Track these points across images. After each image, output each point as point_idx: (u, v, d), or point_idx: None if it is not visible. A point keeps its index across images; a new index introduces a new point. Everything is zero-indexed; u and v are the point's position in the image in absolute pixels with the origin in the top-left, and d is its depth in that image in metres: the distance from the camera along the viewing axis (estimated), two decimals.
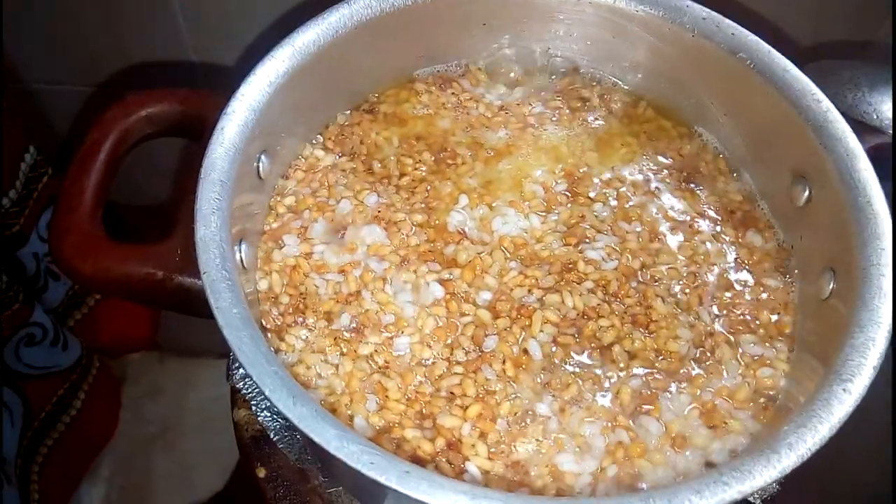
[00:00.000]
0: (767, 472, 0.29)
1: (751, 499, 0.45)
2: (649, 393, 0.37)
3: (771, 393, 0.38)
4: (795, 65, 0.41)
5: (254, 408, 0.50)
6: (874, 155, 0.40)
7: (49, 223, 0.36)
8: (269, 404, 0.49)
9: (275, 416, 0.49)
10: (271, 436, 0.49)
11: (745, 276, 0.42)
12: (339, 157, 0.45)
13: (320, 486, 0.46)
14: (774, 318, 0.40)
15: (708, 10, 0.43)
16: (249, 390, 0.50)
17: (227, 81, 0.74)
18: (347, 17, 0.42)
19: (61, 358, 0.83)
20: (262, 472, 0.48)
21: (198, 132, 0.39)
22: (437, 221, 0.43)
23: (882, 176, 0.38)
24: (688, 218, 0.44)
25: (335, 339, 0.39)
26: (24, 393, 0.79)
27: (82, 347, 0.86)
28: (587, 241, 0.42)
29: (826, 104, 0.40)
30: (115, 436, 1.00)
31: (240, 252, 0.37)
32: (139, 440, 1.03)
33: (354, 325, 0.39)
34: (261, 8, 0.66)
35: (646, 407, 0.37)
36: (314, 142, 0.46)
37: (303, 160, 0.45)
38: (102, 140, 0.37)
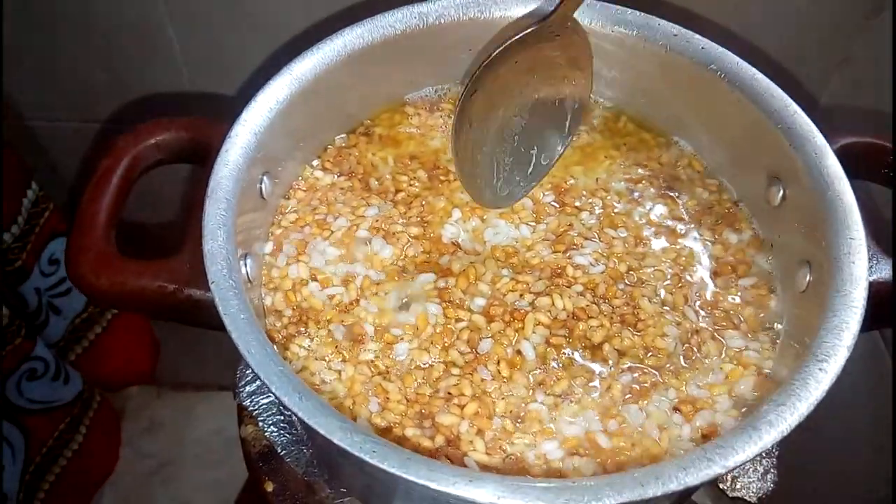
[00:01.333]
0: (749, 448, 0.30)
1: (747, 497, 0.46)
2: (639, 388, 0.39)
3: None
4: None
5: (261, 424, 0.51)
6: (842, 153, 0.43)
7: (66, 244, 0.38)
8: (275, 420, 0.51)
9: (282, 431, 0.51)
10: (278, 450, 0.50)
11: (725, 274, 0.44)
12: (338, 176, 0.48)
13: (327, 499, 0.48)
14: (756, 312, 0.42)
15: (678, 27, 0.45)
16: (256, 407, 0.52)
17: (224, 110, 0.77)
18: (341, 46, 0.45)
19: (63, 392, 0.85)
20: (269, 487, 0.49)
21: (203, 158, 0.42)
22: (432, 234, 0.45)
23: (852, 174, 0.40)
24: (670, 222, 0.46)
25: (336, 347, 0.41)
26: (25, 428, 0.80)
27: (83, 382, 0.87)
28: (575, 247, 0.44)
29: (793, 107, 0.42)
30: (116, 470, 1.00)
31: (245, 267, 0.39)
32: (139, 475, 1.04)
33: (355, 333, 0.41)
34: (250, 41, 0.69)
35: (635, 400, 0.39)
36: (313, 163, 0.48)
37: (303, 181, 0.47)
38: (115, 166, 0.40)
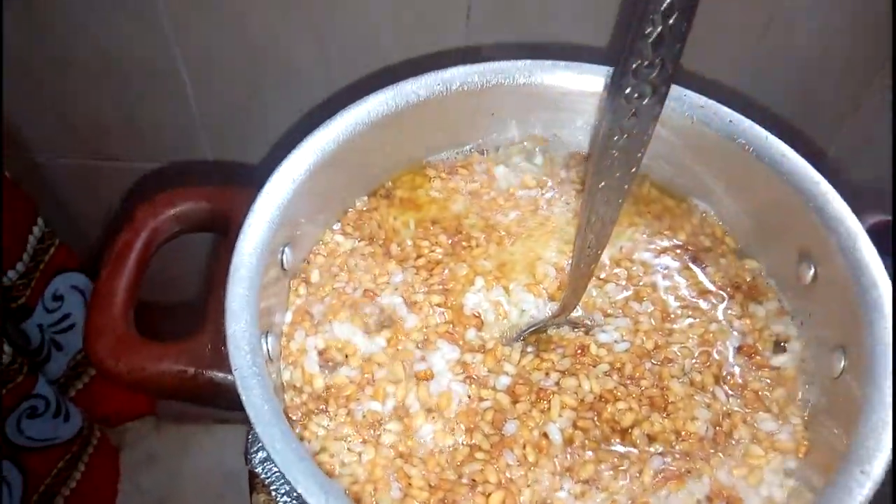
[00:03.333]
0: None
1: None
2: (670, 474, 0.38)
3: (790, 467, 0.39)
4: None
5: (273, 493, 0.50)
6: (873, 231, 0.42)
7: (84, 324, 0.37)
8: (287, 489, 0.50)
9: (294, 501, 0.50)
10: None
11: (754, 352, 0.43)
12: (359, 241, 0.47)
13: None
14: (787, 394, 0.41)
15: (705, 98, 0.45)
16: (269, 475, 0.50)
17: (230, 150, 0.77)
18: (364, 114, 0.44)
19: (62, 430, 0.84)
20: None
21: (224, 227, 0.41)
22: (454, 302, 0.44)
23: (882, 251, 0.40)
24: (695, 296, 0.45)
25: (357, 427, 0.40)
26: (23, 466, 0.79)
27: (83, 418, 0.86)
28: (598, 325, 0.43)
29: (825, 185, 0.41)
30: None
31: (266, 344, 0.39)
32: None
33: (375, 412, 0.40)
34: (270, 97, 0.69)
35: (666, 487, 0.38)
36: (334, 227, 0.48)
37: (323, 245, 0.47)
38: (133, 241, 0.39)
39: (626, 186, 0.34)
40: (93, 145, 0.79)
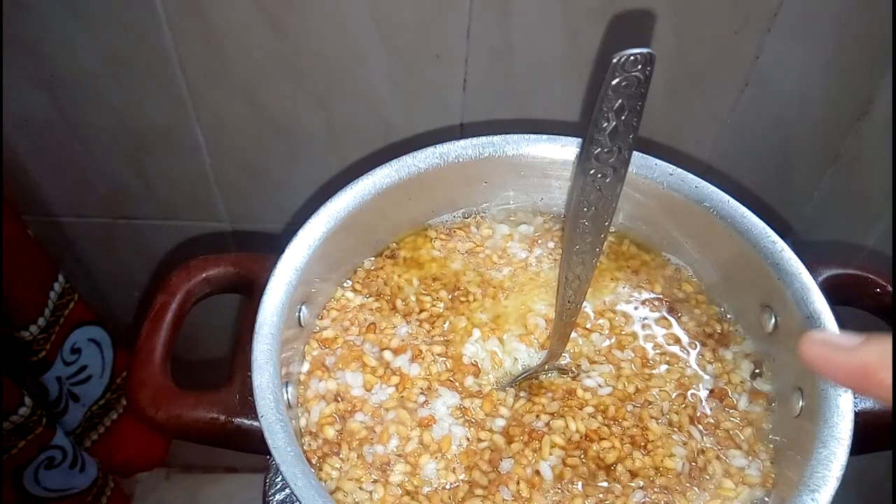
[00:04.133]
0: None
1: None
2: None
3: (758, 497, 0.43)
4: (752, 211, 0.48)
5: None
6: (827, 284, 0.47)
7: (126, 378, 0.41)
8: None
9: None
10: None
11: (724, 395, 0.47)
12: (367, 297, 0.52)
13: None
14: (755, 433, 0.46)
15: (674, 166, 0.50)
16: None
17: (243, 210, 0.81)
18: (371, 185, 0.50)
19: (78, 480, 0.86)
20: None
21: (248, 289, 0.46)
22: (454, 352, 0.49)
23: (834, 301, 0.45)
24: (671, 343, 0.50)
25: (367, 468, 0.44)
26: None
27: (98, 468, 0.89)
28: (584, 371, 0.48)
29: (780, 244, 0.47)
30: None
31: (286, 393, 0.43)
32: None
33: (383, 454, 0.44)
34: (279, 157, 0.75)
35: None
36: (345, 285, 0.53)
37: (335, 301, 0.52)
38: (170, 301, 0.44)
39: (597, 249, 0.39)
40: (112, 206, 0.84)
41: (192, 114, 0.72)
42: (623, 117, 0.31)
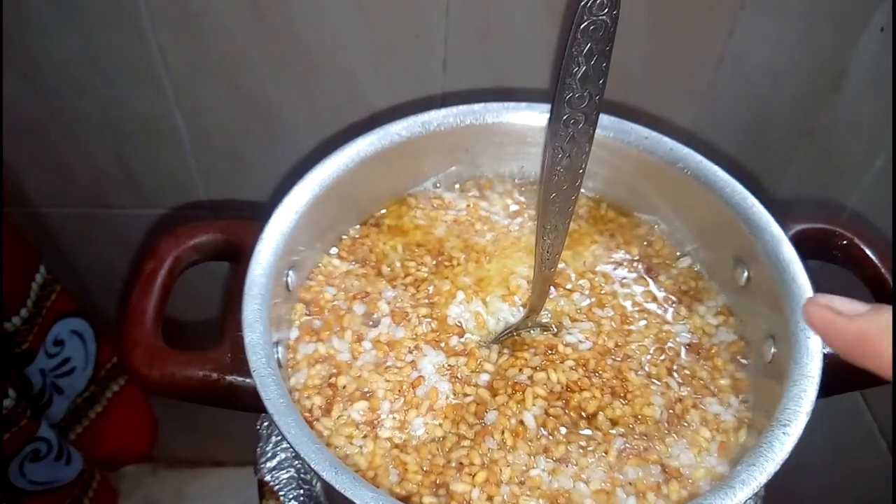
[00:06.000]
0: None
1: None
2: (630, 451, 0.44)
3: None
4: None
5: (282, 498, 0.55)
6: (797, 238, 0.49)
7: (118, 340, 0.42)
8: (296, 494, 0.55)
9: None
10: None
11: (700, 347, 0.49)
12: (353, 264, 0.53)
13: None
14: (730, 382, 0.47)
15: (648, 130, 0.52)
16: (277, 482, 0.55)
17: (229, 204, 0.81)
18: (354, 153, 0.51)
19: (64, 473, 0.86)
20: None
21: (236, 256, 0.47)
22: (439, 314, 0.50)
23: (805, 256, 0.46)
24: (649, 301, 0.52)
25: (356, 426, 0.45)
26: None
27: (83, 461, 0.88)
28: (566, 329, 0.49)
29: (751, 200, 0.48)
30: None
31: (277, 353, 0.44)
32: None
33: (372, 412, 0.45)
34: (262, 141, 0.75)
35: (629, 464, 0.43)
36: (331, 252, 0.54)
37: (322, 268, 0.53)
38: (159, 267, 0.45)
39: (572, 198, 0.40)
40: (92, 195, 0.84)
41: (172, 100, 0.73)
42: (593, 62, 0.33)
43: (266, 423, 0.57)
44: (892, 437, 0.64)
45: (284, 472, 0.55)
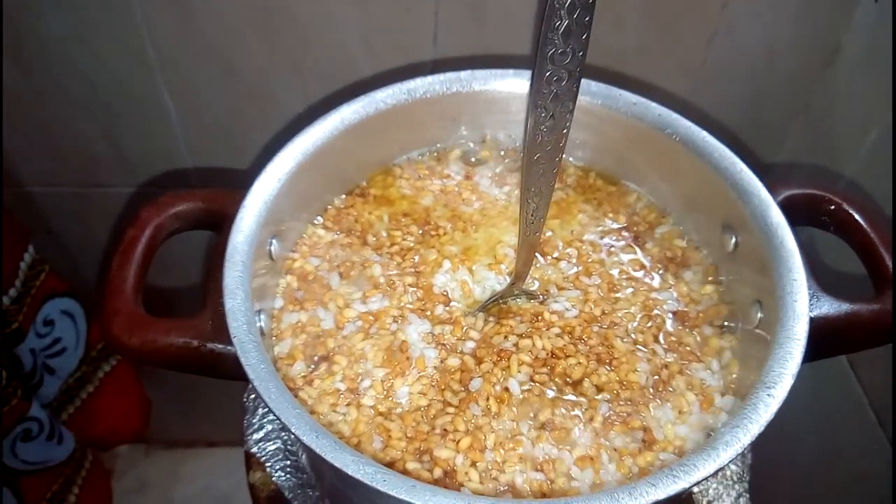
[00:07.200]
0: (709, 465, 0.35)
1: None
2: (616, 417, 0.44)
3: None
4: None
5: (269, 469, 0.55)
6: (786, 204, 0.49)
7: (99, 309, 0.42)
8: (283, 465, 0.54)
9: (289, 475, 0.54)
10: (286, 494, 0.54)
11: (687, 314, 0.49)
12: (338, 234, 0.53)
13: None
14: (716, 347, 0.47)
15: (637, 96, 0.51)
16: (264, 453, 0.55)
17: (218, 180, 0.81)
18: (338, 121, 0.50)
19: (56, 452, 0.86)
20: None
21: (217, 225, 0.46)
22: (425, 283, 0.50)
23: (794, 223, 0.46)
24: (637, 269, 0.51)
25: (340, 394, 0.45)
26: (18, 490, 0.81)
27: (76, 441, 0.88)
28: (552, 297, 0.49)
29: (740, 165, 0.48)
30: None
31: (259, 321, 0.44)
32: None
33: (356, 380, 0.45)
34: (249, 114, 0.75)
35: (614, 430, 0.43)
36: (315, 222, 0.53)
37: (307, 238, 0.52)
38: (139, 235, 0.44)
39: (556, 159, 0.40)
40: (81, 173, 0.83)
41: (161, 78, 0.72)
42: (575, 15, 0.32)
43: (252, 396, 0.57)
44: (893, 432, 0.64)
45: (271, 443, 0.55)
